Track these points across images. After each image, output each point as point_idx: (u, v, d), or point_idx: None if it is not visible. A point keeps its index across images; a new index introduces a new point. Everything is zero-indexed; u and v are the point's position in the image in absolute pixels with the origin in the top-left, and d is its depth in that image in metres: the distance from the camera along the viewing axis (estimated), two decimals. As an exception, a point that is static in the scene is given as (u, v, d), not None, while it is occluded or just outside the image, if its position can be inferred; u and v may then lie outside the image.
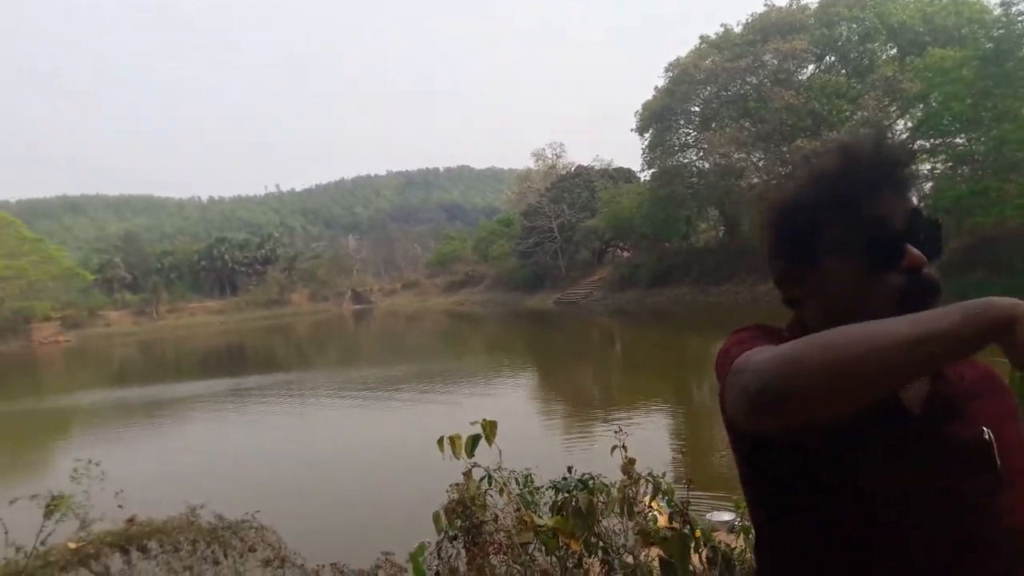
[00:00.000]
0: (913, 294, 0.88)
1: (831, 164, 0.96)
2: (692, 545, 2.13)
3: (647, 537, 2.17)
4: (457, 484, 2.68)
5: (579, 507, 2.17)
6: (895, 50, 35.00)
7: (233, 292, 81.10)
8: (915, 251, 0.89)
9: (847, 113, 32.33)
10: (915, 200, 0.96)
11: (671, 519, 2.17)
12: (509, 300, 53.12)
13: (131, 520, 3.46)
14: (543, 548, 2.28)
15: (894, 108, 32.39)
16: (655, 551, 2.41)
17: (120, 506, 3.48)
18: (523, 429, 10.65)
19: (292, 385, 21.01)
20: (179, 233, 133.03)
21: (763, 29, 37.21)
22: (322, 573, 2.96)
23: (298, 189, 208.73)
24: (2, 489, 11.17)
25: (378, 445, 11.83)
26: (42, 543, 3.18)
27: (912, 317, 0.75)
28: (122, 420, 16.88)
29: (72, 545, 3.22)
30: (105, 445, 13.68)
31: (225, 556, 3.51)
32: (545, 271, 52.98)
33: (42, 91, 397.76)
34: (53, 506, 3.25)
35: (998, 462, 0.90)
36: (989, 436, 0.91)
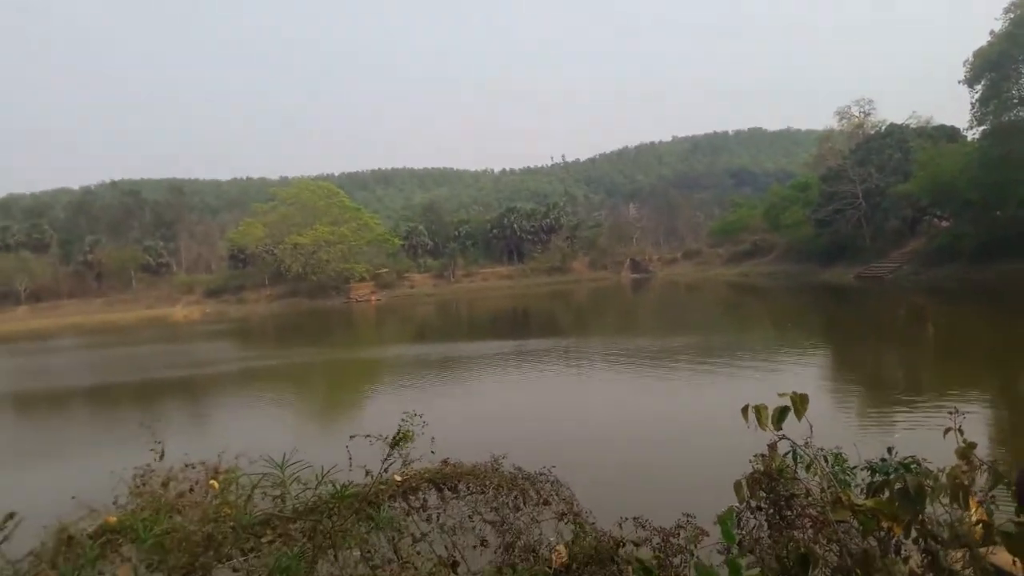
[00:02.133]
0: None
1: None
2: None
3: (987, 530, 1.96)
4: (761, 455, 2.64)
5: (905, 488, 2.03)
6: None
7: (520, 259, 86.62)
8: None
9: None
10: None
11: (1018, 513, 1.93)
12: (801, 272, 49.62)
13: (445, 462, 3.91)
14: (859, 530, 2.17)
15: None
16: (990, 549, 2.17)
17: (432, 451, 3.91)
18: (818, 409, 9.99)
19: (571, 351, 21.94)
20: (474, 203, 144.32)
21: None
22: (624, 525, 3.11)
23: (582, 159, 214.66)
24: (332, 427, 13.34)
25: (663, 413, 11.94)
26: (385, 470, 3.74)
27: None
28: (423, 373, 19.03)
29: (398, 478, 3.72)
30: (411, 393, 15.64)
31: (524, 504, 3.80)
32: (845, 241, 48.56)
33: (359, 79, 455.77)
34: (400, 438, 3.81)
35: None
36: None
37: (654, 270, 77.32)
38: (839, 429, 8.97)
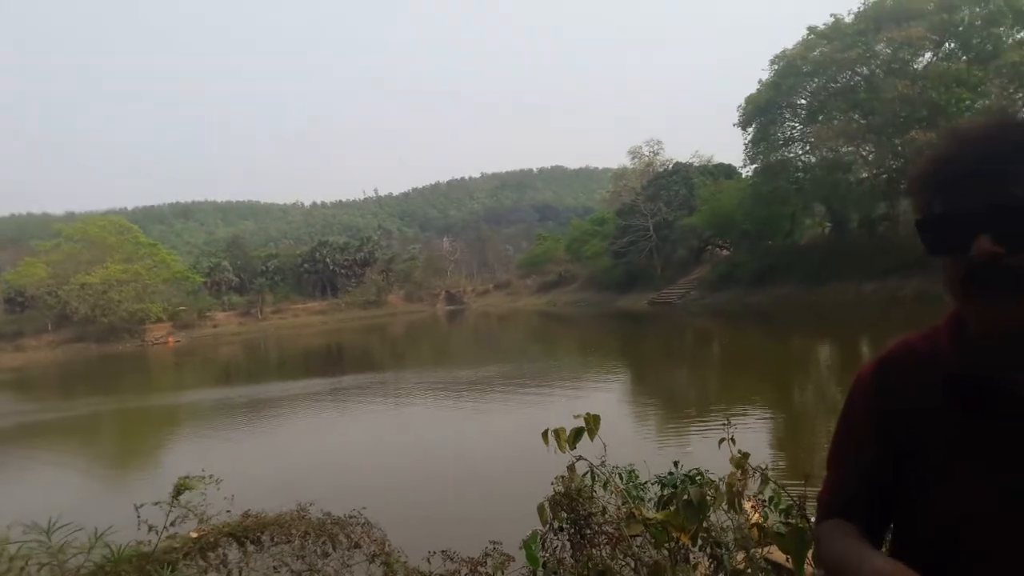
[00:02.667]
0: (973, 282, 0.88)
1: (958, 133, 0.94)
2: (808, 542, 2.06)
3: (761, 533, 2.12)
4: (561, 477, 2.69)
5: (689, 500, 2.14)
6: (1023, 34, 32.56)
7: (333, 293, 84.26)
8: (983, 243, 0.85)
9: (967, 102, 30.29)
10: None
11: (786, 515, 2.11)
12: (601, 300, 52.73)
13: (246, 513, 3.65)
14: (651, 542, 2.26)
15: (1020, 95, 30.16)
16: (766, 549, 2.35)
17: (228, 510, 3.64)
18: (617, 429, 10.56)
19: (389, 384, 21.61)
20: (283, 237, 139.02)
21: (876, 18, 35.48)
22: (432, 560, 3.04)
23: (395, 193, 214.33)
24: (121, 484, 12.06)
25: (475, 442, 12.02)
26: (171, 524, 3.40)
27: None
28: (227, 418, 17.80)
29: (194, 534, 3.41)
30: (212, 442, 14.53)
31: (333, 549, 3.64)
32: (639, 271, 52.31)
33: (154, 105, 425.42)
34: (181, 487, 3.47)
35: None
36: None
37: (468, 301, 78.63)
38: (637, 446, 9.51)
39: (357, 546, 3.67)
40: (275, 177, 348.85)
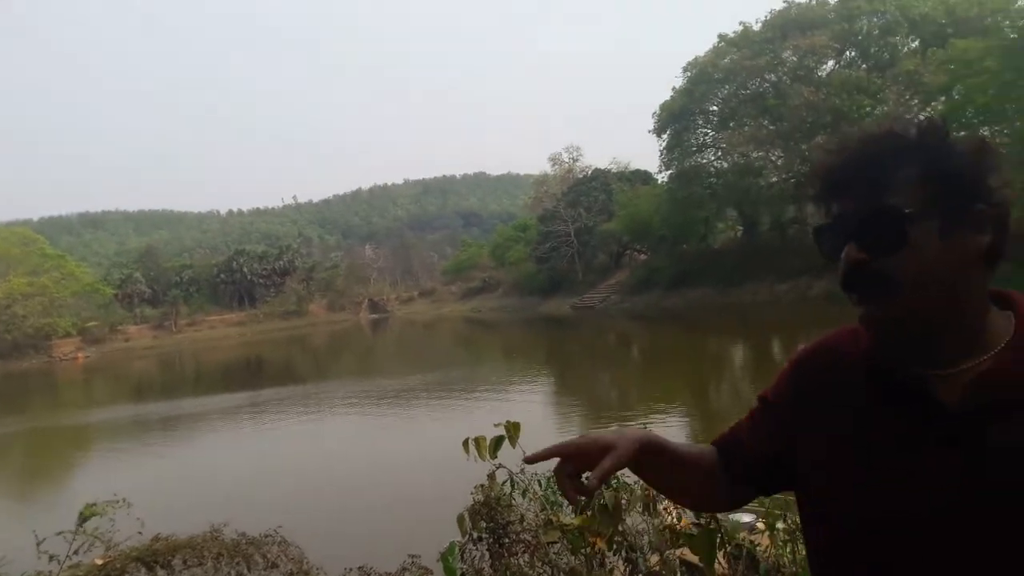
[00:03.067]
0: (845, 291, 0.92)
1: (830, 146, 0.97)
2: (717, 542, 2.12)
3: (673, 535, 2.17)
4: (481, 486, 2.69)
5: (605, 504, 2.17)
6: (917, 43, 34.64)
7: (252, 304, 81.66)
8: (851, 251, 0.89)
9: (868, 108, 32.03)
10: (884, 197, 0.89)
11: (697, 516, 2.17)
12: (525, 306, 53.07)
13: (156, 538, 3.50)
14: (569, 548, 2.28)
15: (916, 102, 32.06)
16: (679, 550, 2.41)
17: (140, 532, 3.51)
18: (542, 433, 10.64)
19: (310, 397, 21.11)
20: (198, 246, 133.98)
21: (783, 26, 37.03)
22: (349, 576, 2.98)
23: (316, 200, 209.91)
24: (22, 512, 11.36)
25: (398, 453, 11.88)
26: (74, 552, 3.23)
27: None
28: (139, 437, 17.04)
29: (99, 561, 3.26)
30: (123, 463, 13.86)
31: (249, 570, 3.54)
32: (562, 276, 52.91)
33: (59, 107, 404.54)
34: (87, 513, 3.30)
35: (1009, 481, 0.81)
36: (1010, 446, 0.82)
37: (392, 310, 77.66)
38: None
39: (275, 566, 3.58)
40: (190, 185, 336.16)
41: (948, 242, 0.86)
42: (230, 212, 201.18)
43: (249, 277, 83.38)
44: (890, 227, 0.88)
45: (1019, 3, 26.59)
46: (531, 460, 1.06)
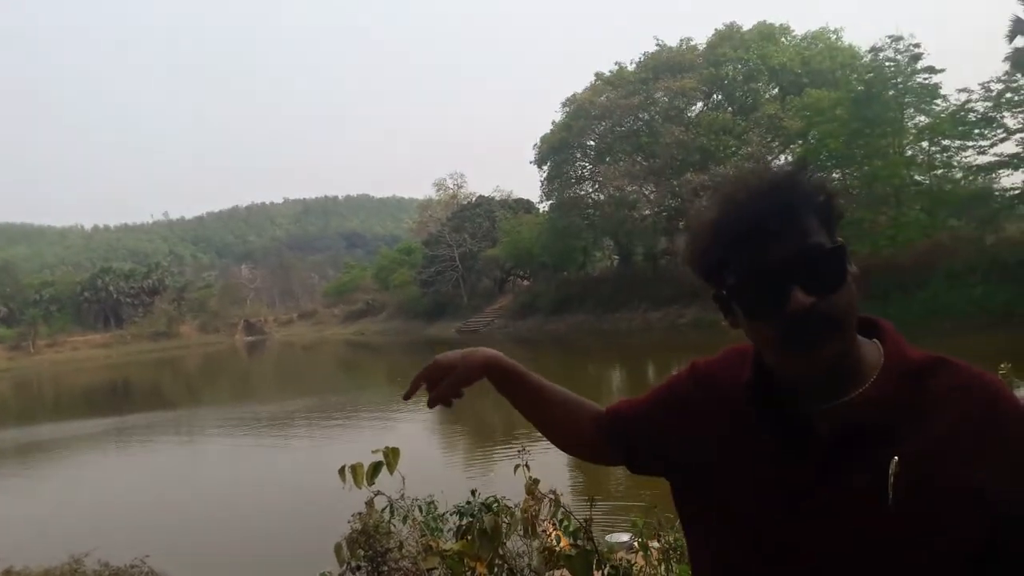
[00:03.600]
0: (793, 340, 0.86)
1: (733, 196, 0.91)
2: (594, 563, 2.18)
3: (552, 556, 2.21)
4: (359, 514, 2.64)
5: (484, 529, 2.18)
6: (777, 90, 37.38)
7: (118, 325, 76.56)
8: (799, 296, 0.84)
9: (733, 148, 34.21)
10: (819, 230, 0.89)
11: (575, 537, 2.22)
12: (410, 329, 52.55)
13: (7, 572, 3.22)
14: (449, 573, 2.28)
15: (776, 144, 34.57)
16: (559, 572, 2.46)
17: None
18: (424, 458, 10.54)
19: (181, 423, 19.97)
20: (60, 263, 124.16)
21: (655, 68, 38.95)
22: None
23: (188, 217, 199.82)
24: None
25: (274, 481, 11.41)
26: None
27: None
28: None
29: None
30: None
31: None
32: (447, 300, 52.86)
33: None
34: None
35: (891, 508, 0.82)
36: (894, 473, 0.83)
37: (269, 331, 74.90)
38: (442, 475, 9.54)
39: (140, 600, 3.36)
40: (51, 198, 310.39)
41: (851, 275, 0.89)
42: (95, 227, 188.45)
43: (115, 296, 78.28)
44: (837, 265, 0.87)
45: (864, 60, 29.27)
46: (407, 397, 1.23)
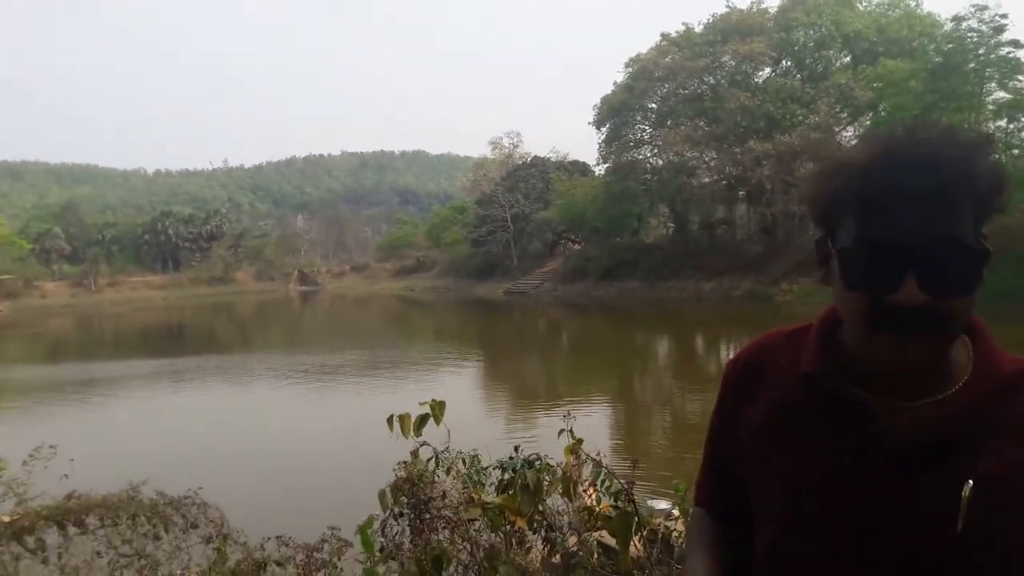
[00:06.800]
0: (882, 326, 0.77)
1: (894, 144, 0.78)
2: (633, 525, 2.19)
3: (592, 517, 2.23)
4: (404, 462, 2.70)
5: (526, 484, 2.21)
6: (849, 58, 35.99)
7: (176, 267, 79.14)
8: (910, 289, 0.74)
9: (800, 117, 33.16)
10: (967, 222, 0.76)
11: (615, 498, 2.23)
12: (459, 287, 53.00)
13: (70, 496, 3.39)
14: (489, 525, 2.32)
15: (845, 115, 33.35)
16: (597, 532, 2.48)
17: (65, 477, 3.39)
18: (468, 415, 10.69)
19: (234, 367, 20.60)
20: (123, 205, 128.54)
21: (723, 30, 37.83)
22: (267, 546, 2.94)
23: (247, 165, 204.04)
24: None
25: (323, 428, 11.73)
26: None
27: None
28: (56, 397, 16.30)
29: (6, 518, 3.14)
30: (40, 422, 13.24)
31: (166, 531, 3.46)
32: (497, 260, 53.05)
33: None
34: None
35: (959, 526, 0.76)
36: (967, 496, 0.76)
37: (322, 283, 76.36)
38: (485, 431, 9.67)
39: (194, 527, 3.51)
40: (115, 140, 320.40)
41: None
42: (157, 172, 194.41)
43: (175, 240, 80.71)
44: (972, 271, 0.76)
45: (945, 28, 27.84)
46: None
